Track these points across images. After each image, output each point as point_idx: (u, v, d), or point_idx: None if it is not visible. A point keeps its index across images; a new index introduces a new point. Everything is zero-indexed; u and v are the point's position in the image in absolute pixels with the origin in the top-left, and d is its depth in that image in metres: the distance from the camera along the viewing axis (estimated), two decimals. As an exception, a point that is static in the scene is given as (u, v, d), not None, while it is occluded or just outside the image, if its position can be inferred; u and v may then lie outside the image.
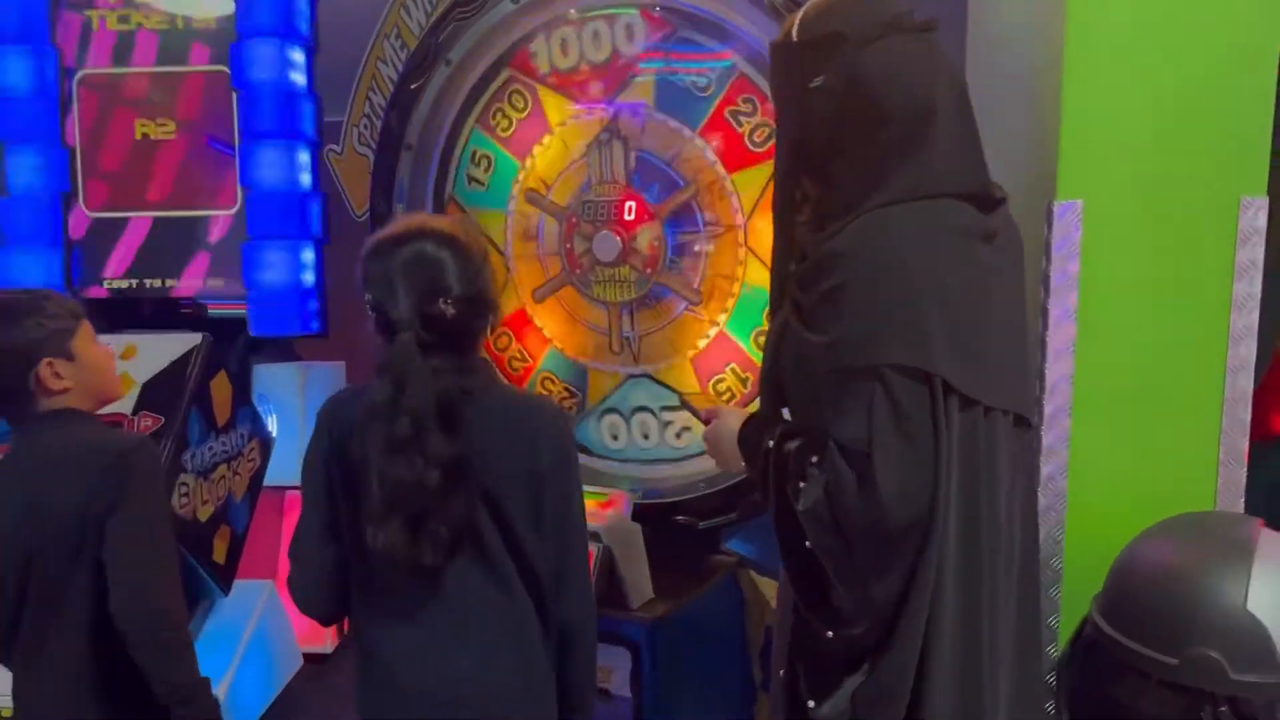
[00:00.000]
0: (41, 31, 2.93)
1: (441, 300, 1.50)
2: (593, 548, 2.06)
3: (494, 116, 2.44)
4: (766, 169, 2.16)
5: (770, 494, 1.40)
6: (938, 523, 1.29)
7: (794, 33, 1.40)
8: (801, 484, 1.33)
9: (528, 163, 2.41)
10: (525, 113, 2.40)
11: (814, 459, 1.33)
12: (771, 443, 1.41)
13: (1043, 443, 1.98)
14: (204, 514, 2.60)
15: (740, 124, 2.20)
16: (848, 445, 1.29)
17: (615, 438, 2.47)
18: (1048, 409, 1.96)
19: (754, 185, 2.20)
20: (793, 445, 1.37)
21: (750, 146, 2.20)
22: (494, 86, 2.43)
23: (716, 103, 2.21)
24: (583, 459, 2.45)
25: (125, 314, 2.95)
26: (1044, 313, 1.95)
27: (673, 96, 2.24)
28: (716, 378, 2.31)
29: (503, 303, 1.72)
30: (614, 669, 2.10)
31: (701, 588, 2.25)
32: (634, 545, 2.15)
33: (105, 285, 2.97)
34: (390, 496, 1.45)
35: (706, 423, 1.67)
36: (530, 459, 1.52)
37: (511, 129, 2.43)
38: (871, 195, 1.34)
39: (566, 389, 2.49)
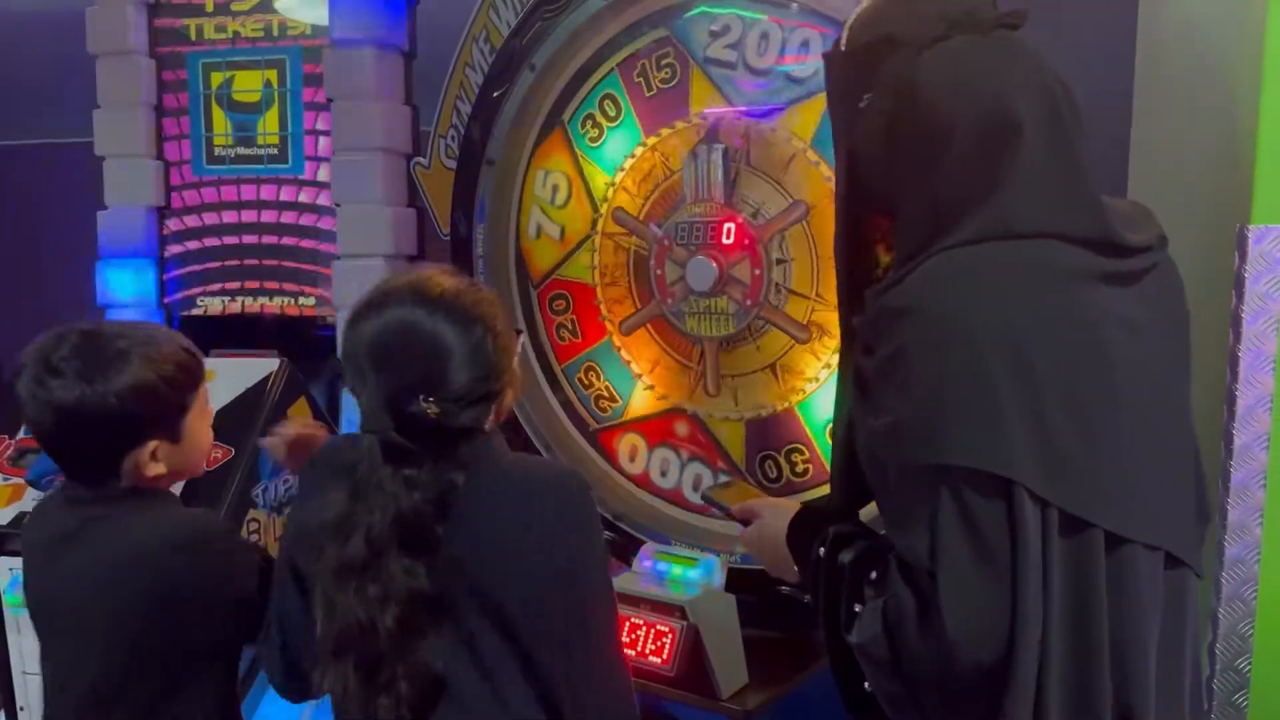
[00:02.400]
0: (141, 43, 2.88)
1: (422, 398, 1.21)
2: (674, 625, 1.80)
3: (583, 125, 2.19)
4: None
5: (820, 614, 1.13)
6: (1024, 666, 0.96)
7: (843, 40, 1.17)
8: (856, 608, 1.05)
9: (617, 177, 2.15)
10: (617, 121, 2.15)
11: (871, 575, 1.05)
12: (822, 550, 1.14)
13: (1229, 516, 1.64)
14: (274, 550, 2.46)
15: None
16: (911, 562, 1.00)
17: (665, 475, 2.22)
18: (1235, 477, 1.62)
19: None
20: (847, 557, 1.10)
21: None
22: (582, 92, 2.18)
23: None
24: (669, 510, 2.22)
25: (218, 333, 2.88)
26: (1233, 361, 1.61)
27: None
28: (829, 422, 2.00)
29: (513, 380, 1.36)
30: (699, 765, 1.83)
31: (805, 672, 1.95)
32: (726, 621, 1.87)
33: (199, 304, 2.91)
34: (338, 634, 1.18)
35: (745, 523, 1.39)
36: (538, 552, 1.23)
37: (601, 139, 2.18)
38: (940, 235, 1.06)
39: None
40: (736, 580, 1.94)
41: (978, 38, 1.08)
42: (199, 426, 1.48)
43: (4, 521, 2.36)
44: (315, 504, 1.27)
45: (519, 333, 1.48)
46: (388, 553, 1.19)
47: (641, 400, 2.21)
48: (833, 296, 1.91)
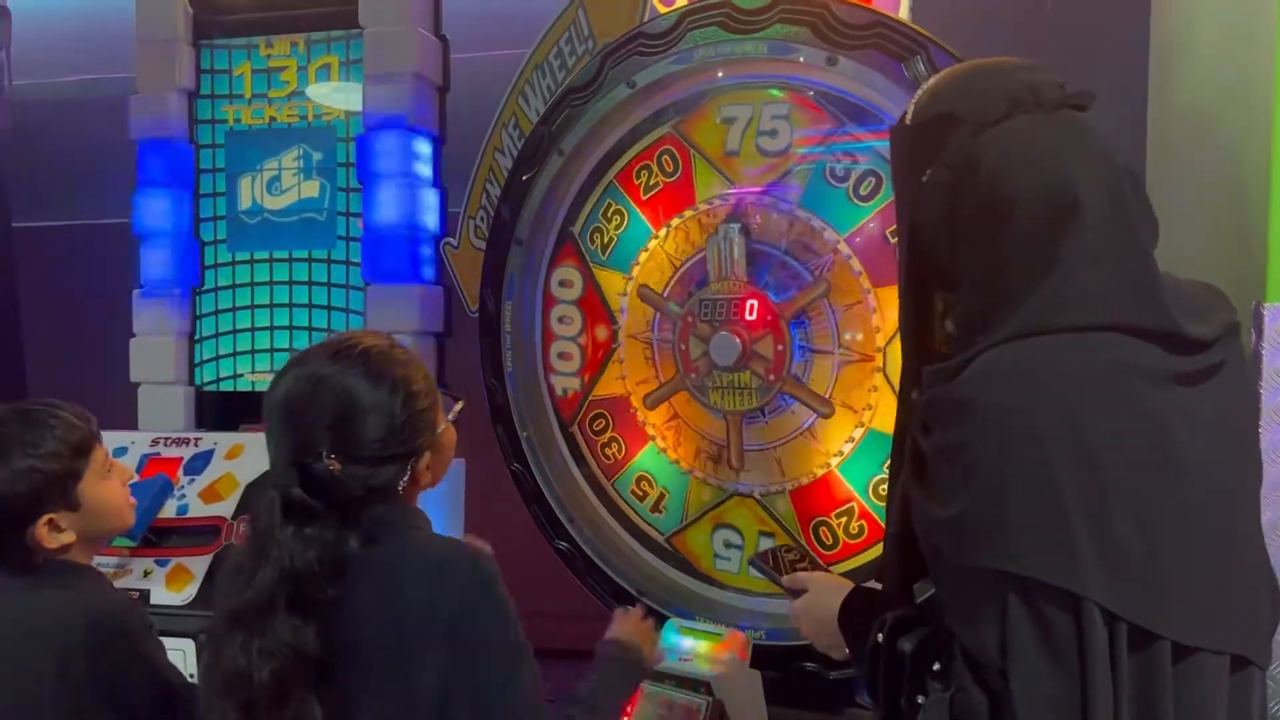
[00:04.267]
0: (180, 129, 2.98)
1: (325, 453, 1.22)
2: (700, 701, 1.80)
3: (591, 238, 2.27)
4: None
5: (880, 703, 1.11)
6: None
7: (909, 114, 1.18)
8: (920, 699, 1.04)
9: (641, 256, 2.21)
10: (625, 225, 2.23)
11: (935, 667, 1.04)
12: (881, 635, 1.12)
13: None
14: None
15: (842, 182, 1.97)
16: (979, 659, 0.99)
17: (728, 559, 2.20)
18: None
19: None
20: (909, 645, 1.09)
21: (856, 200, 1.97)
22: (582, 217, 2.27)
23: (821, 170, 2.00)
24: (693, 585, 2.21)
25: (248, 407, 2.92)
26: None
27: (811, 188, 2.02)
28: (877, 479, 2.02)
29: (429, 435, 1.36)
30: (723, 847, 1.81)
31: (830, 750, 1.93)
32: (752, 697, 1.87)
33: (229, 378, 2.96)
34: (219, 681, 1.20)
35: (795, 595, 1.38)
36: (430, 627, 1.21)
37: (611, 245, 2.26)
38: (1000, 319, 1.05)
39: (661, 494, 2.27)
40: (762, 657, 1.93)
41: (1041, 116, 1.08)
42: (101, 488, 1.53)
43: None
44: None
45: (457, 399, 1.48)
46: (275, 608, 1.19)
47: (698, 493, 2.22)
48: (859, 346, 1.97)
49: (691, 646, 1.93)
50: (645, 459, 2.27)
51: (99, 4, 3.43)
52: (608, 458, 2.31)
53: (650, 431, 2.24)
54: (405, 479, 1.30)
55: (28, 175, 3.52)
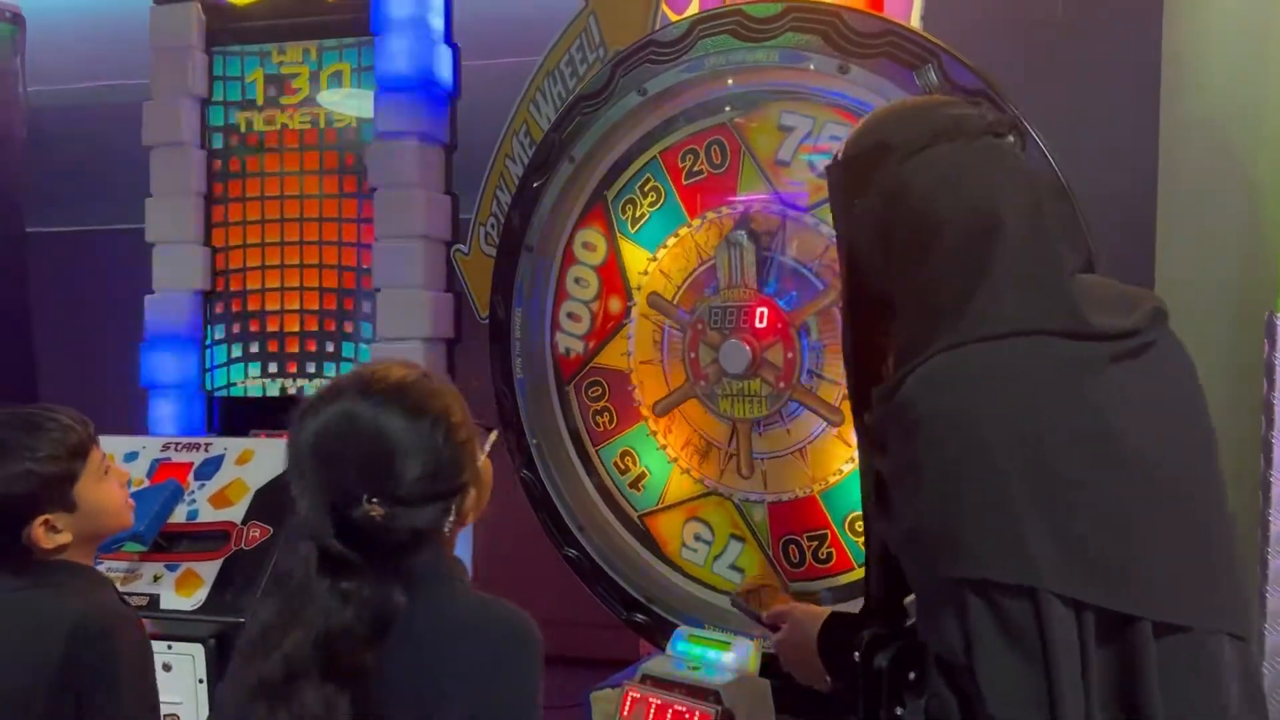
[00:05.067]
0: (194, 135, 2.99)
1: (366, 499, 1.11)
2: (709, 710, 1.79)
3: (624, 209, 2.26)
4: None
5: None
6: None
7: (839, 153, 1.24)
8: (898, 710, 1.07)
9: (670, 240, 2.20)
10: (660, 203, 2.22)
11: (910, 675, 1.07)
12: (858, 654, 1.14)
13: (1268, 603, 1.65)
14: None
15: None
16: (948, 659, 1.01)
17: (695, 550, 2.22)
18: (1273, 565, 1.63)
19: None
20: (884, 660, 1.11)
21: None
22: (618, 184, 2.25)
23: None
24: (702, 594, 2.21)
25: (258, 414, 2.93)
26: (1266, 447, 1.63)
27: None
28: (855, 514, 2.02)
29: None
30: None
31: (839, 760, 1.92)
32: (761, 706, 1.86)
33: (240, 385, 2.97)
34: None
35: (773, 629, 1.39)
36: (471, 700, 1.10)
37: (643, 220, 2.25)
38: (935, 336, 1.08)
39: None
40: (771, 666, 1.93)
41: (964, 143, 1.14)
42: (98, 489, 1.55)
43: None
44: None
45: (489, 429, 1.36)
46: (306, 677, 1.07)
47: (678, 484, 2.23)
48: None
49: (700, 655, 1.93)
50: (633, 437, 2.27)
51: (113, 11, 3.45)
52: (597, 425, 2.31)
53: (644, 412, 2.24)
54: (450, 519, 1.20)
55: (41, 181, 3.54)
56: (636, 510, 2.28)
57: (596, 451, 2.33)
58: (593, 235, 2.31)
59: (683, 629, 2.01)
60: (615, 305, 2.28)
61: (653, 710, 1.81)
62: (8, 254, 3.51)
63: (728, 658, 1.90)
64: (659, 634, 2.15)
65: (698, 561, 2.21)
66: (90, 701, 1.45)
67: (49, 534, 1.50)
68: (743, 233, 2.06)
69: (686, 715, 1.81)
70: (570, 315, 2.34)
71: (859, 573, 2.00)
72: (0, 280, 3.48)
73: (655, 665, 1.90)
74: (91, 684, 1.45)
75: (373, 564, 1.12)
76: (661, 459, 2.23)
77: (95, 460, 1.55)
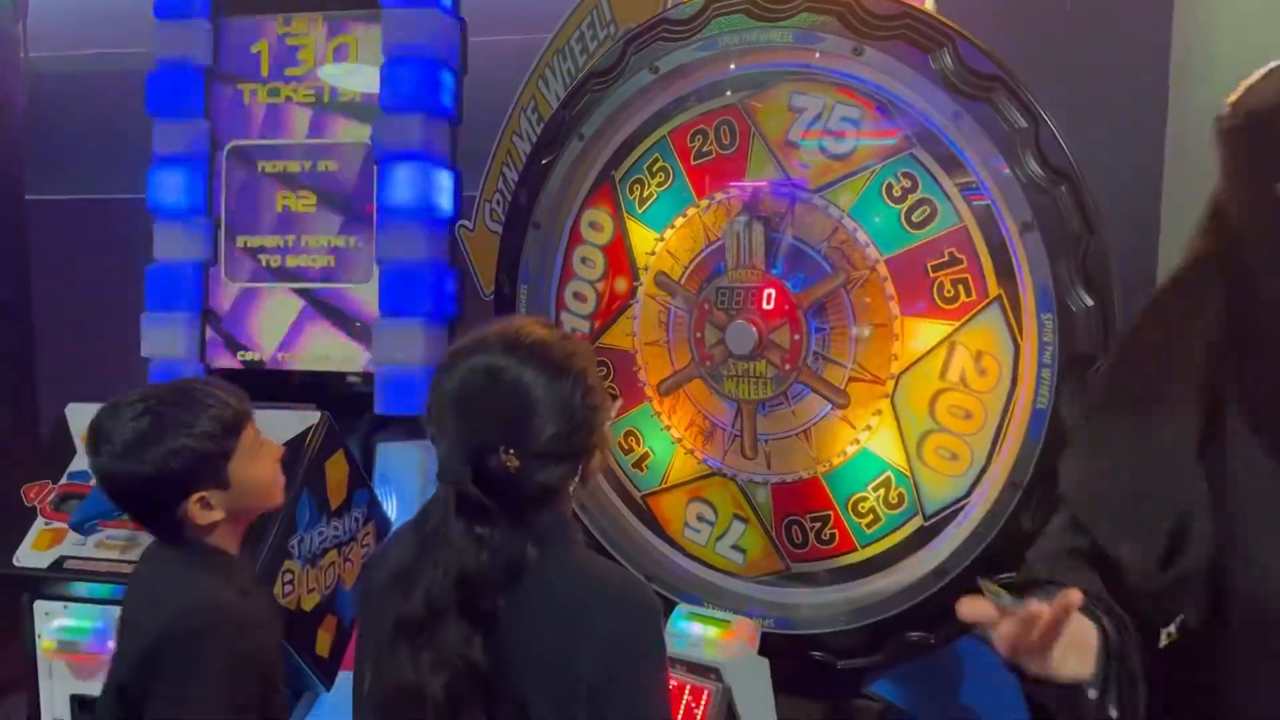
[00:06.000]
0: (197, 105, 2.98)
1: (503, 450, 1.15)
2: (709, 686, 1.80)
3: (631, 189, 2.26)
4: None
5: None
6: None
7: (1249, 104, 0.96)
8: None
9: (678, 221, 2.20)
10: (668, 184, 2.22)
11: None
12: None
13: None
14: (309, 603, 2.47)
15: (898, 203, 1.95)
16: None
17: (698, 530, 2.22)
18: None
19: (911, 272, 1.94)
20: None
21: (908, 226, 1.95)
22: (626, 164, 2.25)
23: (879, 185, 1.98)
24: (702, 573, 2.22)
25: (263, 386, 2.92)
26: None
27: (865, 200, 2.01)
28: (858, 496, 2.03)
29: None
30: (728, 830, 1.81)
31: (837, 739, 1.94)
32: (759, 683, 1.87)
33: (239, 357, 2.96)
34: (384, 697, 1.13)
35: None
36: (577, 665, 1.12)
37: (651, 200, 2.24)
38: None
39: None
40: (770, 645, 1.94)
41: None
42: (252, 467, 1.53)
43: (43, 565, 2.38)
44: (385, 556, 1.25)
45: (615, 396, 1.45)
46: (447, 615, 1.12)
47: (682, 464, 2.23)
48: (873, 367, 1.96)
49: (700, 632, 1.94)
50: (638, 417, 2.28)
51: (117, -23, 3.42)
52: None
53: (648, 393, 2.25)
54: (576, 479, 1.24)
55: (43, 148, 3.51)
56: (640, 490, 2.29)
57: None
58: (600, 215, 2.30)
59: (682, 607, 2.02)
60: (621, 285, 2.28)
61: (654, 686, 1.81)
62: (8, 221, 3.48)
63: (728, 635, 1.91)
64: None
65: (700, 541, 2.22)
66: (150, 697, 1.42)
67: (203, 510, 1.48)
68: (752, 214, 2.06)
69: (687, 691, 1.82)
70: (576, 295, 2.34)
71: (861, 554, 2.01)
72: (0, 248, 3.46)
73: (655, 642, 1.91)
74: (161, 684, 1.41)
75: (505, 514, 1.16)
76: (665, 440, 2.23)
77: (249, 436, 1.53)
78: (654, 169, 2.23)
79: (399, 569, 1.17)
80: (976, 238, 1.88)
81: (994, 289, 1.87)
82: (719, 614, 1.98)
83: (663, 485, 2.26)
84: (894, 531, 1.99)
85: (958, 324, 1.90)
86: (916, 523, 1.96)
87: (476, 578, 1.13)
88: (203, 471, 1.46)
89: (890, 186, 1.96)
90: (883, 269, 1.97)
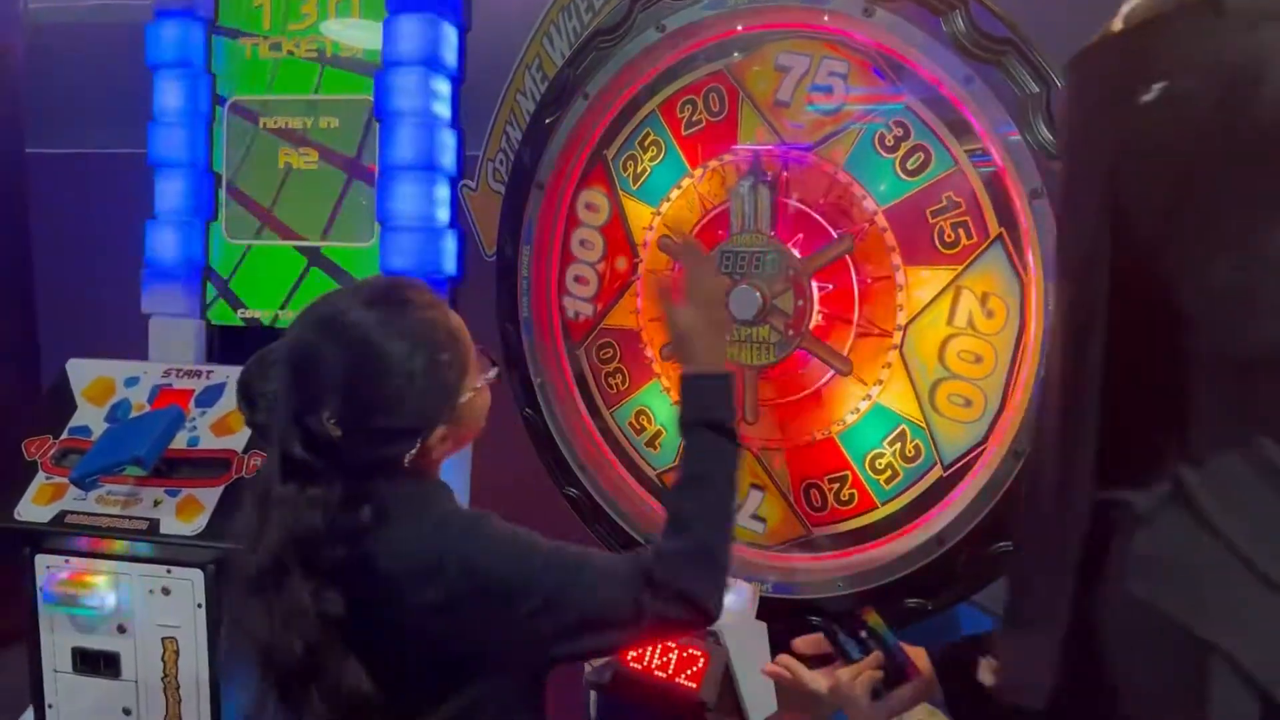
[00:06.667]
0: (198, 58, 2.94)
1: (326, 417, 1.14)
2: (706, 649, 1.81)
3: (624, 166, 2.24)
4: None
5: None
6: None
7: (1115, 25, 0.83)
8: None
9: (673, 194, 2.18)
10: (661, 157, 2.20)
11: None
12: None
13: None
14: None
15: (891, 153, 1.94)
16: None
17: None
18: None
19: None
20: None
21: (902, 174, 1.93)
22: (618, 142, 2.23)
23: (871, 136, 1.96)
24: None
25: (259, 344, 2.91)
26: None
27: (857, 153, 1.98)
28: (874, 452, 2.02)
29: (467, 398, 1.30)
30: (723, 792, 1.83)
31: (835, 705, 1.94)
32: (757, 647, 1.88)
33: (240, 315, 2.95)
34: (255, 655, 1.15)
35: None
36: (452, 618, 1.15)
37: (645, 176, 2.22)
38: None
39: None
40: (768, 609, 1.95)
41: None
42: (476, 401, 1.45)
43: (44, 520, 2.39)
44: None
45: (494, 362, 1.37)
46: (291, 571, 1.13)
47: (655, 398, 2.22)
48: (880, 320, 1.95)
49: (699, 596, 1.94)
50: (647, 395, 2.27)
51: (117, -74, 3.37)
52: (610, 387, 2.31)
53: (656, 369, 2.24)
54: (413, 453, 1.22)
55: (42, 100, 3.48)
56: (655, 469, 2.28)
57: (611, 414, 2.32)
58: (595, 196, 2.29)
59: (681, 571, 2.02)
60: (622, 264, 2.27)
61: (651, 650, 1.82)
62: (8, 174, 3.46)
63: (726, 599, 1.91)
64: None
65: None
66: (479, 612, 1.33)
67: (439, 445, 1.39)
68: (756, 177, 2.03)
69: (684, 652, 1.82)
70: (577, 279, 2.33)
71: (882, 511, 2.00)
72: (0, 201, 3.44)
73: (654, 605, 1.91)
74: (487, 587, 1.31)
75: (337, 476, 1.16)
76: (676, 413, 2.21)
77: (472, 369, 1.43)
78: (645, 144, 2.21)
79: (242, 530, 1.18)
80: (973, 177, 1.86)
81: (994, 228, 1.85)
82: (716, 577, 1.97)
83: (677, 462, 2.23)
84: (914, 485, 1.96)
85: (961, 268, 1.88)
86: (936, 473, 1.94)
87: (308, 538, 1.14)
88: (439, 413, 1.37)
89: (882, 137, 1.95)
90: (882, 220, 1.95)
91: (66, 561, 2.39)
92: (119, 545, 2.36)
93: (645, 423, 2.28)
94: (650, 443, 2.28)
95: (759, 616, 1.91)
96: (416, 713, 1.18)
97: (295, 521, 1.13)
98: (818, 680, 1.39)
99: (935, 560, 1.88)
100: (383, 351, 1.15)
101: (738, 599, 1.91)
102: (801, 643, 1.48)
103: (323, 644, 1.13)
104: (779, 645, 1.90)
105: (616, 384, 2.30)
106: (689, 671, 1.82)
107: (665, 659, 1.84)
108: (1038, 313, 1.81)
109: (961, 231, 1.88)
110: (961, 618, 2.06)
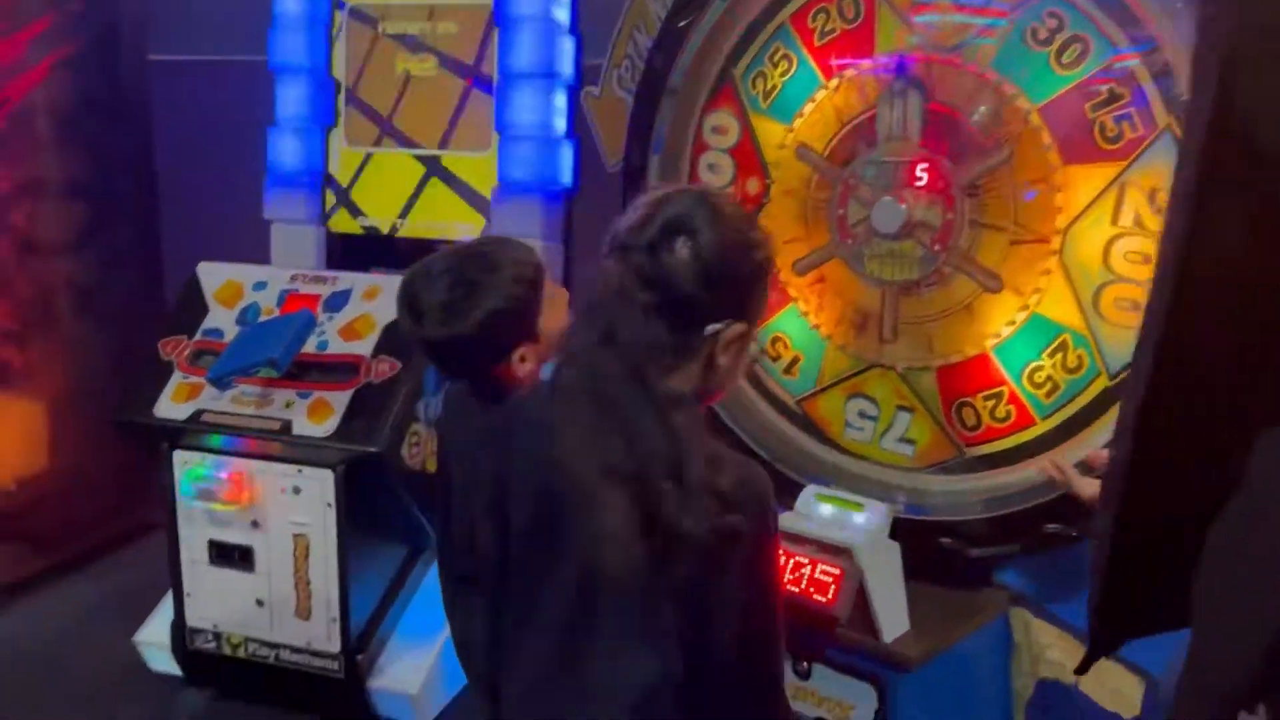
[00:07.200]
0: (317, -37, 2.92)
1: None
2: (842, 565, 1.79)
3: (754, 83, 2.16)
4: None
5: None
6: None
7: None
8: None
9: (806, 108, 2.10)
10: (792, 71, 2.11)
11: None
12: None
13: None
14: (433, 465, 2.52)
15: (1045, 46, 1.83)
16: None
17: (860, 429, 2.16)
18: None
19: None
20: None
21: (1057, 68, 1.81)
22: (745, 59, 2.15)
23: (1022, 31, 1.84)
24: (828, 455, 2.19)
25: (384, 253, 2.93)
26: None
27: (1007, 50, 1.88)
28: (1033, 365, 1.94)
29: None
30: (856, 706, 1.82)
31: (967, 626, 1.92)
32: (891, 567, 1.85)
33: (359, 223, 2.96)
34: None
35: None
36: None
37: (775, 92, 2.14)
38: None
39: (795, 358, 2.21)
40: (901, 530, 1.91)
41: None
42: (554, 316, 1.53)
43: (182, 418, 2.45)
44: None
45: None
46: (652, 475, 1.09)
47: (835, 362, 2.17)
48: (1036, 226, 1.86)
49: (832, 514, 1.92)
50: (784, 320, 2.22)
51: None
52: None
53: (793, 293, 2.19)
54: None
55: (164, 7, 3.50)
56: (794, 396, 2.23)
57: None
58: (723, 118, 2.22)
59: (811, 487, 2.00)
60: (753, 186, 2.21)
61: (789, 564, 1.81)
62: (132, 82, 3.51)
63: (860, 518, 1.89)
64: (781, 493, 2.13)
65: (864, 439, 2.16)
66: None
67: (521, 365, 1.49)
68: (906, 82, 1.94)
69: (818, 567, 1.81)
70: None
71: (1041, 427, 1.93)
72: (124, 108, 3.49)
73: (786, 521, 1.89)
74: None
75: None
76: (814, 338, 2.17)
77: (549, 288, 1.54)
78: (775, 59, 2.13)
79: (584, 432, 1.12)
80: (1136, 67, 1.75)
81: (1162, 120, 1.74)
82: (851, 496, 1.95)
83: (818, 387, 2.20)
84: (1076, 397, 1.89)
85: (1125, 164, 1.78)
86: (1101, 384, 1.86)
87: (666, 444, 1.09)
88: (520, 329, 1.48)
89: (1034, 30, 1.84)
90: (1036, 119, 1.85)
91: (203, 457, 2.46)
92: (253, 444, 2.42)
93: (781, 350, 2.24)
94: (788, 370, 2.24)
95: (892, 537, 1.88)
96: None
97: (652, 428, 1.09)
98: (1088, 486, 1.40)
99: (1081, 486, 1.82)
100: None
101: (871, 518, 1.88)
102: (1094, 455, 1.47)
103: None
104: (908, 568, 1.88)
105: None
106: (822, 587, 1.80)
107: (798, 574, 1.82)
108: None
109: (1125, 125, 1.77)
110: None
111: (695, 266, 1.11)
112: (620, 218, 1.17)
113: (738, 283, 1.16)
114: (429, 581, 2.64)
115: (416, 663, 2.53)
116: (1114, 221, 1.81)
